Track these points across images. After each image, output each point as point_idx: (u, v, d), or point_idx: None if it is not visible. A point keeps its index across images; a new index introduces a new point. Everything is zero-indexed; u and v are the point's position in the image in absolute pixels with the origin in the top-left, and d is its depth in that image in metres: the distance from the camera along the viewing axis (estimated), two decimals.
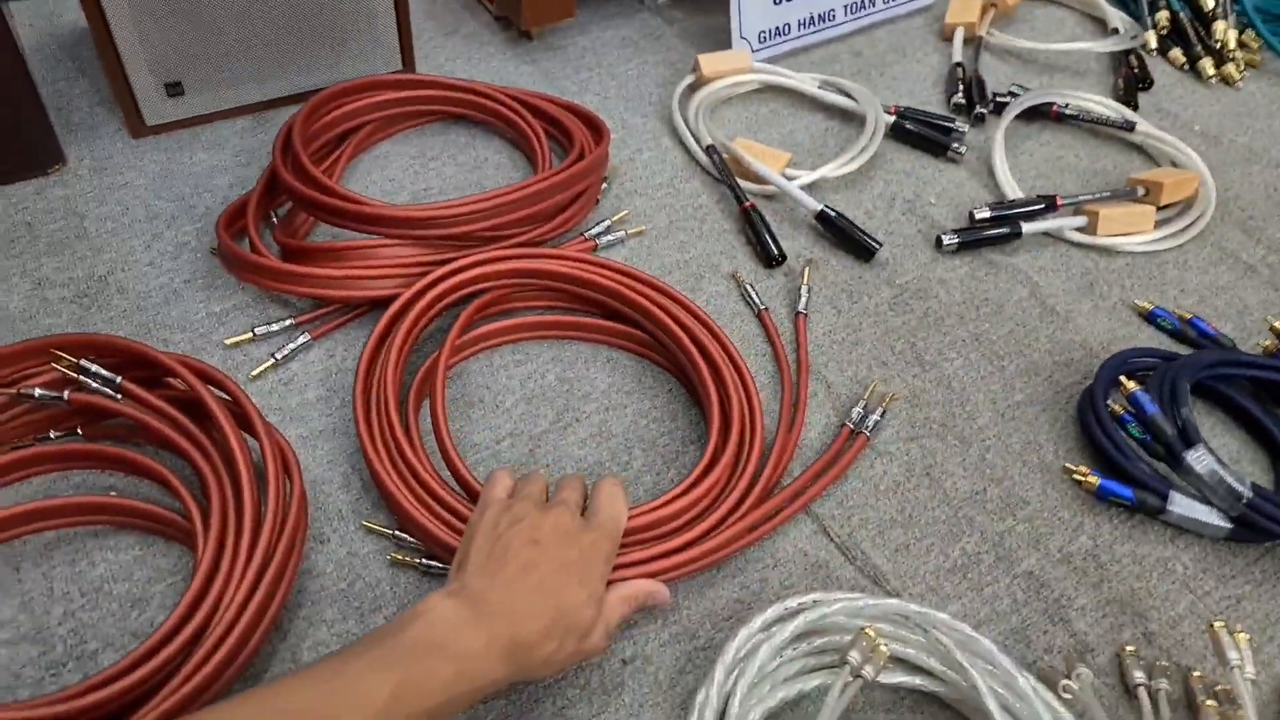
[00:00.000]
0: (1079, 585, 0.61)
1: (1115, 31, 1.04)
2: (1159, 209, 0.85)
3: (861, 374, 0.73)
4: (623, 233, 0.80)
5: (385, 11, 0.86)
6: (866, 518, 0.64)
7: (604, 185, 0.84)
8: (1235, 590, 0.61)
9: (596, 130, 0.84)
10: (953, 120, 0.93)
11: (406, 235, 0.71)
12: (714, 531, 0.59)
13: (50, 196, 0.76)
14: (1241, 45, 1.04)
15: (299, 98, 0.85)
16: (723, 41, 0.98)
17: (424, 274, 0.68)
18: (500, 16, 1.01)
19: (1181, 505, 0.63)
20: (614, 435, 0.67)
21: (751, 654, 0.53)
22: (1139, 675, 0.56)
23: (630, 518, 0.57)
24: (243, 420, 0.58)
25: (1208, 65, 1.02)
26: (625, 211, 0.82)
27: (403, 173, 0.84)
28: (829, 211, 0.82)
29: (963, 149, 0.90)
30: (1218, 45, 1.03)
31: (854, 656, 0.52)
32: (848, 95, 0.94)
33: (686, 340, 0.67)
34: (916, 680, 0.54)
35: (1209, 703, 0.54)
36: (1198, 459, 0.63)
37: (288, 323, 0.70)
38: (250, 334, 0.69)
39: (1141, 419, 0.66)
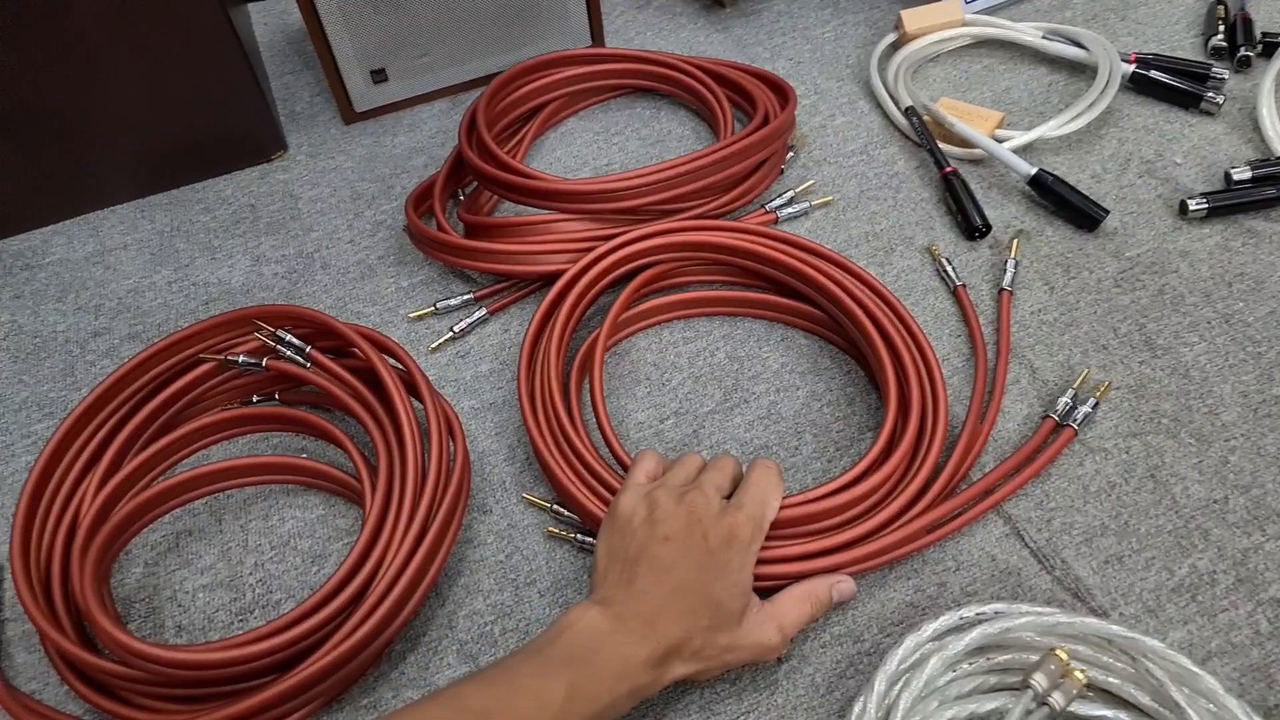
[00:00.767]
0: None
1: None
2: None
3: (1074, 359, 0.64)
4: (807, 204, 0.75)
5: None
6: (1071, 522, 0.56)
7: (790, 154, 0.80)
8: None
9: (782, 95, 0.80)
10: (1209, 67, 0.80)
11: (581, 209, 0.70)
12: (887, 527, 0.54)
13: (272, 180, 0.83)
14: None
15: (494, 77, 0.87)
16: None
17: (596, 248, 0.67)
18: None
19: None
20: (784, 418, 0.63)
21: (919, 665, 0.47)
22: None
23: (792, 506, 0.53)
24: (412, 388, 0.59)
25: None
26: (811, 181, 0.77)
27: (586, 148, 0.83)
28: (1045, 175, 0.72)
29: (1220, 99, 0.77)
30: None
31: (1039, 680, 0.46)
32: (1077, 44, 0.83)
33: (862, 315, 0.61)
34: (1120, 716, 0.47)
35: None
36: None
37: (467, 297, 0.71)
38: (432, 308, 0.71)
39: None
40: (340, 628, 0.51)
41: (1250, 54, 0.81)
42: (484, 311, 0.71)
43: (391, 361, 0.60)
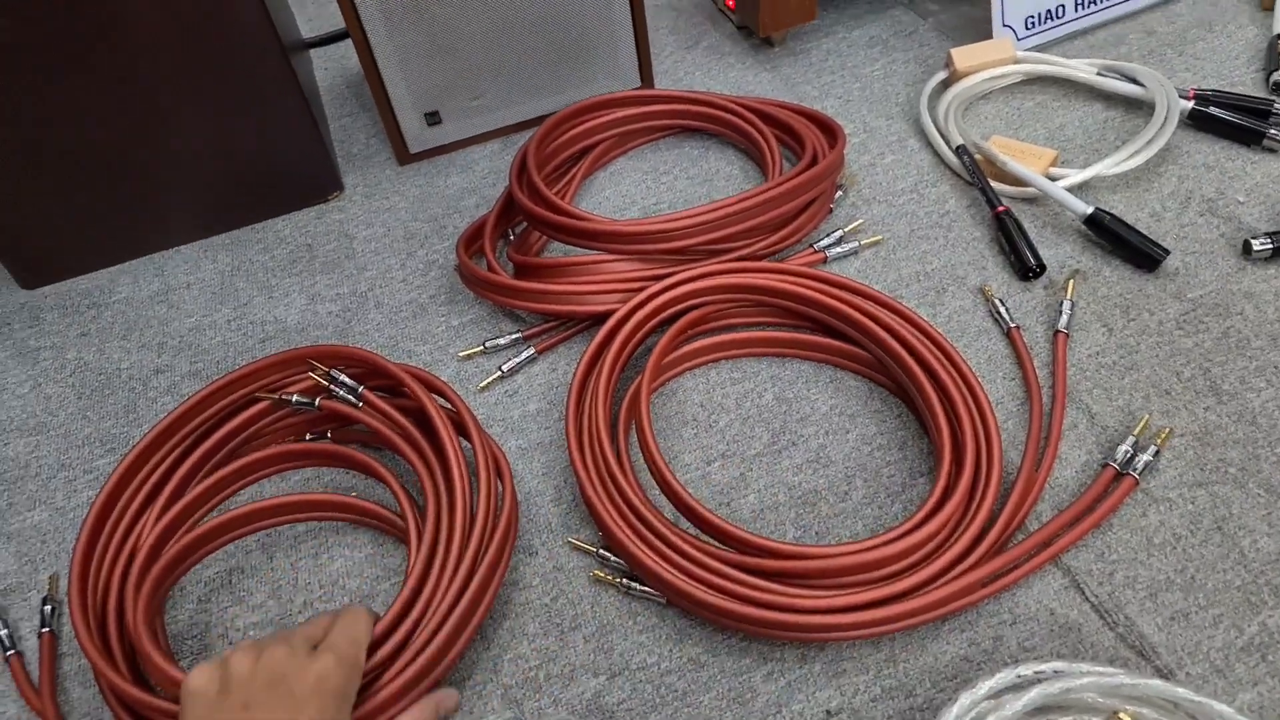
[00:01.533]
0: None
1: None
2: None
3: (1135, 404, 0.62)
4: (857, 243, 0.75)
5: (625, 32, 0.87)
6: (1134, 576, 0.54)
7: (839, 193, 0.79)
8: None
9: (831, 134, 0.80)
10: (1271, 103, 0.78)
11: (629, 250, 0.71)
12: (941, 578, 0.53)
13: (328, 220, 0.85)
14: None
15: (544, 118, 0.89)
16: (985, 32, 0.90)
17: (644, 289, 0.68)
18: (742, 26, 0.99)
19: None
20: (833, 462, 0.62)
21: None
22: None
23: (845, 555, 0.52)
24: (461, 428, 0.60)
25: None
26: (860, 221, 0.77)
27: (635, 188, 0.84)
28: (1102, 214, 0.71)
29: None
30: None
31: None
32: (1133, 80, 0.82)
33: (910, 360, 0.61)
34: None
35: None
36: None
37: (515, 336, 0.72)
38: (481, 347, 0.72)
39: None
40: (386, 671, 0.51)
41: None
42: (532, 351, 0.71)
43: (441, 401, 0.61)
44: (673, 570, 0.54)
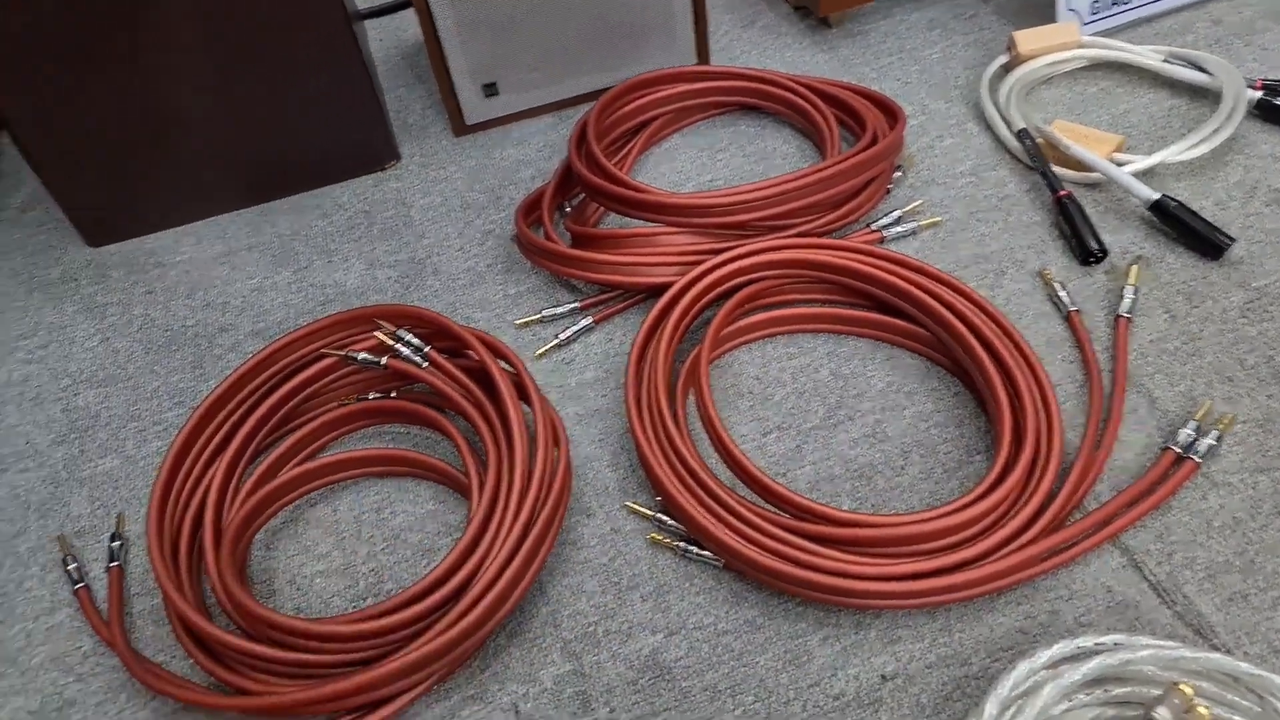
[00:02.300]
0: None
1: None
2: None
3: (1197, 390, 0.62)
4: (914, 224, 0.75)
5: (683, 9, 0.88)
6: (1193, 557, 0.54)
7: (897, 174, 0.79)
8: None
9: (891, 115, 0.80)
10: None
11: (687, 223, 0.71)
12: (998, 552, 0.53)
13: (386, 188, 0.86)
14: None
15: (599, 94, 0.89)
16: (1047, 16, 0.89)
17: (701, 262, 0.68)
18: (799, 6, 0.99)
19: None
20: (889, 438, 0.62)
21: (1033, 692, 0.46)
22: None
23: (904, 524, 0.53)
24: (522, 392, 0.61)
25: None
26: (919, 202, 0.77)
27: (690, 164, 0.84)
28: (1168, 201, 0.70)
29: None
30: None
31: (1163, 715, 0.44)
32: (1200, 69, 0.81)
33: (972, 339, 0.61)
34: None
35: None
36: None
37: (573, 305, 0.73)
38: (538, 315, 0.73)
39: None
40: (445, 615, 0.52)
41: None
42: (589, 320, 0.72)
43: (504, 365, 0.62)
44: (731, 533, 0.54)
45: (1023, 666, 0.47)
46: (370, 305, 0.66)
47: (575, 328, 0.71)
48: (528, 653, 0.55)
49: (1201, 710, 0.44)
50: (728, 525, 0.55)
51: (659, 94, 0.85)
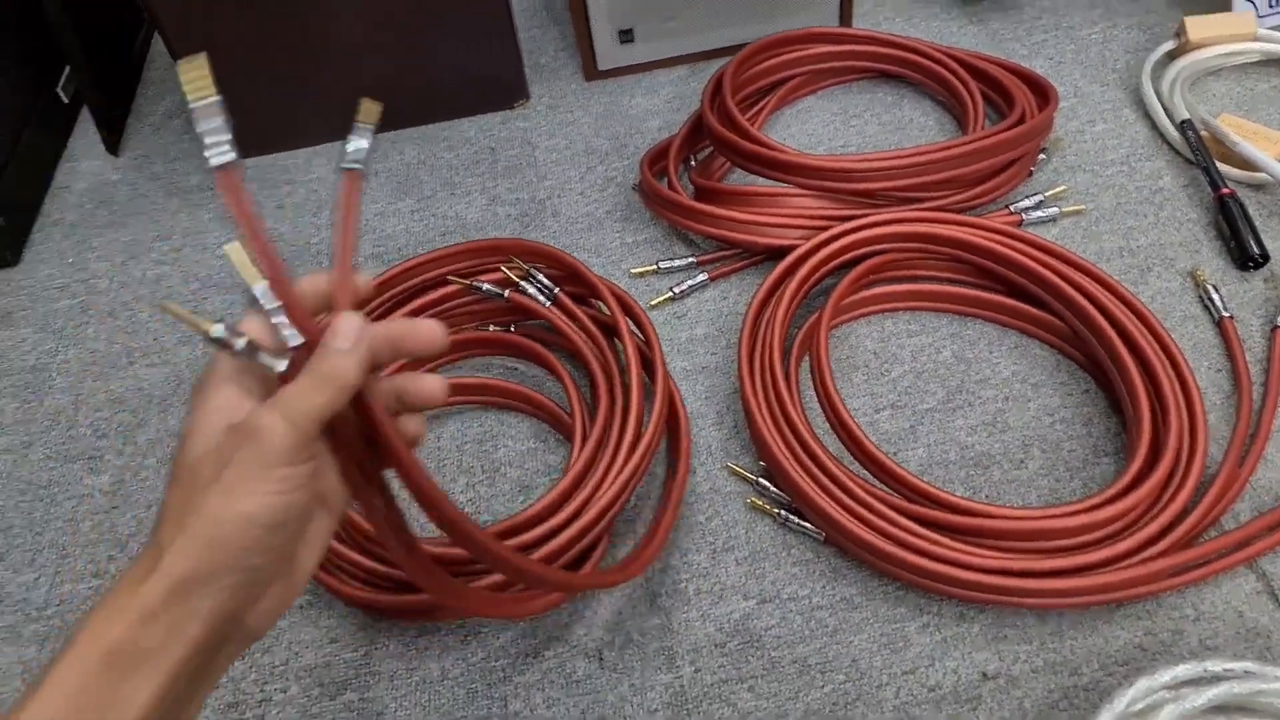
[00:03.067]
0: None
1: None
2: None
3: None
4: (1056, 209, 0.71)
5: None
6: None
7: (1041, 157, 0.75)
8: None
9: (1043, 96, 0.75)
10: None
11: (816, 186, 0.69)
12: (1123, 561, 0.50)
13: (512, 127, 0.86)
14: None
15: (734, 49, 0.87)
16: (1220, 4, 0.83)
17: (828, 228, 0.66)
18: None
19: None
20: (1011, 428, 0.60)
21: (1150, 712, 0.44)
22: None
23: (1022, 519, 0.50)
24: (647, 363, 0.60)
25: None
26: (1063, 187, 0.73)
27: (823, 127, 0.82)
28: None
29: None
30: None
31: None
32: None
33: (1114, 335, 0.57)
34: None
35: None
36: None
37: (690, 260, 0.71)
38: (655, 266, 0.71)
39: None
40: (536, 550, 0.52)
41: None
42: (705, 276, 0.70)
43: (630, 324, 0.61)
44: (838, 506, 0.52)
45: (1142, 683, 0.44)
46: (507, 238, 0.66)
47: (690, 282, 0.70)
48: (616, 603, 0.54)
49: None
50: (833, 498, 0.53)
51: (798, 53, 0.82)
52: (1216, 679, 0.44)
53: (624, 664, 0.52)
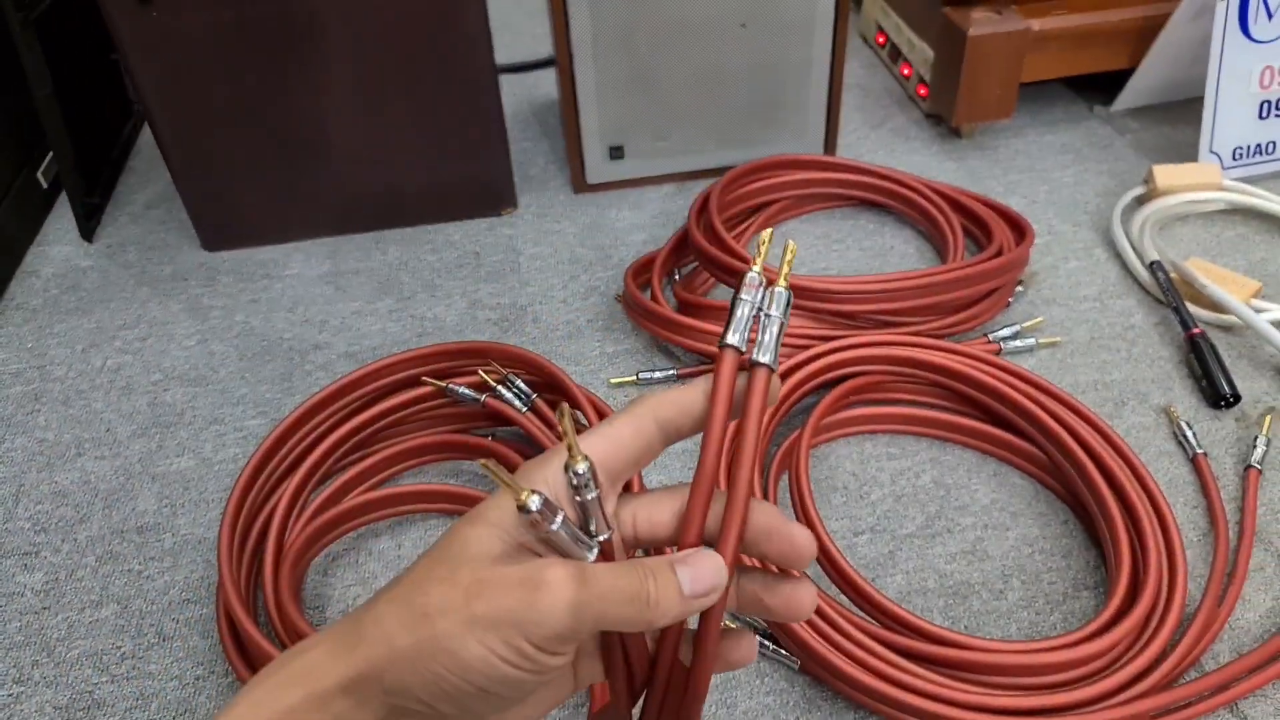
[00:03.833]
0: None
1: None
2: None
3: None
4: (1033, 340, 0.72)
5: (818, 101, 0.88)
6: None
7: (1019, 289, 0.77)
8: None
9: (1020, 231, 0.78)
10: None
11: (799, 305, 0.70)
12: (1105, 701, 0.48)
13: (498, 233, 0.87)
14: None
15: (721, 170, 0.89)
16: (1185, 155, 0.87)
17: (809, 347, 0.66)
18: (931, 114, 0.99)
19: None
20: (990, 557, 0.58)
21: None
22: None
23: (1004, 652, 0.49)
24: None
25: None
26: (1040, 319, 0.74)
27: (806, 251, 0.83)
28: None
29: None
30: None
31: None
32: None
33: (1093, 468, 0.57)
34: None
35: None
36: None
37: (670, 372, 0.71)
38: (634, 377, 0.71)
39: None
40: None
41: None
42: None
43: None
44: (814, 634, 0.51)
45: None
46: (489, 342, 0.65)
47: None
48: None
49: None
50: (810, 624, 0.51)
51: (784, 178, 0.84)
52: None
53: None
